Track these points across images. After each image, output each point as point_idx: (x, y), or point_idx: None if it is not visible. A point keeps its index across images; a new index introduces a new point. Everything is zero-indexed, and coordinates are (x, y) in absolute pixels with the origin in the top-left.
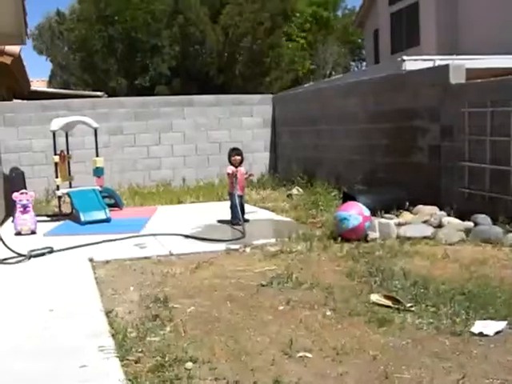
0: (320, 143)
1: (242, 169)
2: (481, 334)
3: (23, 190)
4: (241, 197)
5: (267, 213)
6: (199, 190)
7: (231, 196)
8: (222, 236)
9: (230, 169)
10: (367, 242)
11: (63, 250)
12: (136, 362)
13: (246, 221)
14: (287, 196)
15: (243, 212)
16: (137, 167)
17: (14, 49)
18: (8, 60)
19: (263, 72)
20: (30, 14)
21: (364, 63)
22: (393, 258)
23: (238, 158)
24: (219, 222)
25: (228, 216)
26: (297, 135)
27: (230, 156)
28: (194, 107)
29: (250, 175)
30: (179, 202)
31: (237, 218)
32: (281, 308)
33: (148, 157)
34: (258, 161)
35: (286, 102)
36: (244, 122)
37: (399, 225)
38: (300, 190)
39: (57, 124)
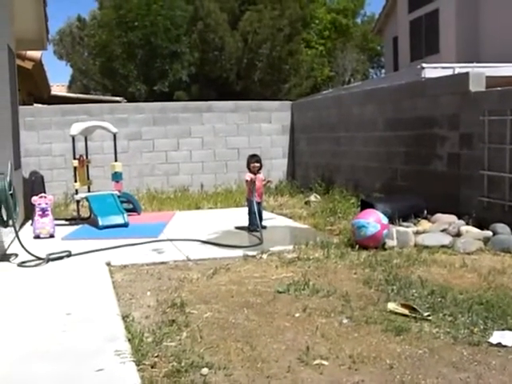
0: (338, 150)
1: (260, 175)
2: (499, 345)
3: (42, 194)
4: (259, 203)
5: (285, 219)
6: (217, 196)
7: (249, 202)
8: (240, 242)
9: (249, 176)
10: (385, 250)
11: (81, 253)
12: (152, 367)
13: (264, 227)
14: (305, 203)
15: (261, 218)
16: (155, 172)
17: (35, 54)
18: (29, 65)
19: (282, 78)
20: (51, 20)
21: (383, 70)
22: (410, 266)
23: (257, 164)
24: (237, 228)
25: (246, 222)
26: (315, 142)
27: (248, 163)
28: (213, 113)
29: (268, 181)
30: (197, 208)
31: (254, 224)
32: (297, 315)
33: (166, 162)
34: (276, 167)
35: (304, 109)
36: (263, 128)
37: (417, 233)
38: (318, 196)
39: (76, 129)
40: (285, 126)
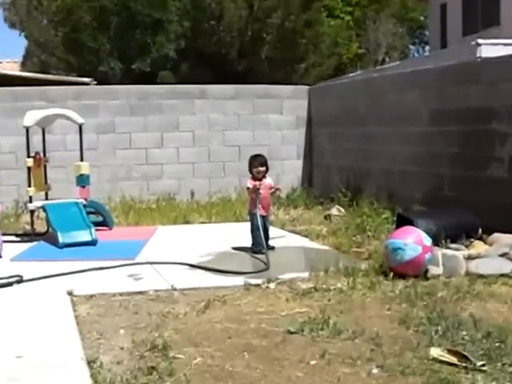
0: (368, 150)
1: (266, 181)
2: None
3: None
4: (264, 217)
5: (298, 238)
6: (212, 207)
7: (252, 216)
8: (240, 267)
9: (252, 182)
10: (427, 279)
11: (35, 279)
12: None
13: (271, 248)
14: (325, 217)
15: (267, 237)
16: (132, 176)
17: None
18: None
19: (297, 57)
20: None
21: (427, 47)
22: (460, 301)
23: (262, 169)
24: (236, 249)
25: (248, 242)
26: (339, 139)
27: (251, 165)
28: (208, 100)
29: (277, 189)
30: (186, 222)
31: (259, 244)
32: (313, 363)
33: (147, 163)
34: (288, 171)
35: (325, 96)
36: (271, 120)
37: (469, 258)
38: (341, 209)
39: (31, 118)
40: (300, 117)
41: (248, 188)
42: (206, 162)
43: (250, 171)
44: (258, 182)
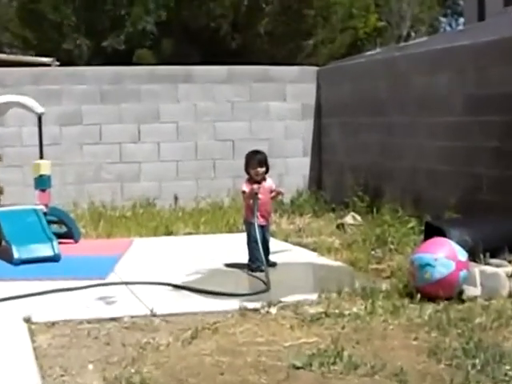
0: (390, 144)
1: (266, 184)
2: None
3: None
4: (264, 228)
5: (305, 253)
6: (200, 215)
7: (249, 226)
8: (234, 288)
9: (248, 185)
10: (462, 301)
11: None
12: None
13: (272, 265)
14: (337, 227)
15: (267, 251)
16: (103, 177)
17: None
18: None
19: (303, 31)
20: None
21: (461, 20)
22: (502, 328)
23: (261, 170)
24: (229, 265)
25: (244, 257)
26: (354, 131)
27: (248, 164)
28: (195, 84)
29: (279, 193)
30: (168, 234)
31: (257, 260)
32: None
33: (120, 161)
34: (293, 171)
35: (338, 79)
36: (272, 108)
37: None
38: (357, 217)
39: None
40: (307, 105)
41: (244, 192)
42: (193, 159)
43: (247, 171)
44: (256, 185)
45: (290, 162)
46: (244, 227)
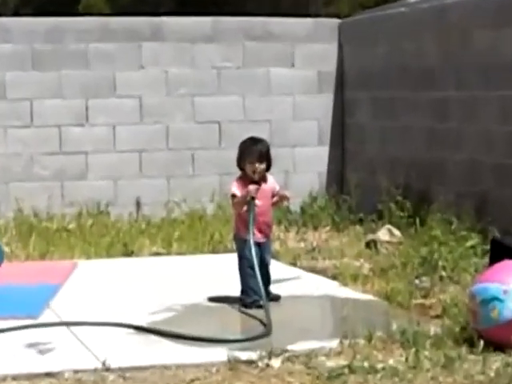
0: (442, 129)
1: (267, 184)
2: None
3: None
4: (261, 246)
5: (322, 282)
6: (172, 228)
7: (241, 244)
8: (221, 331)
9: (241, 186)
10: None
11: None
12: None
13: (275, 298)
14: (367, 245)
15: (268, 280)
16: (35, 173)
17: None
18: None
19: None
20: None
21: None
22: None
23: (260, 166)
24: (214, 300)
25: (234, 287)
26: (391, 111)
27: (242, 157)
28: (165, 43)
29: (284, 198)
30: (127, 254)
31: (253, 291)
32: None
33: (60, 151)
34: (304, 166)
35: (368, 37)
36: (274, 78)
37: None
38: (395, 231)
39: None
40: (324, 73)
41: (234, 196)
42: (163, 149)
43: (240, 167)
44: (252, 187)
45: (301, 154)
46: (234, 245)
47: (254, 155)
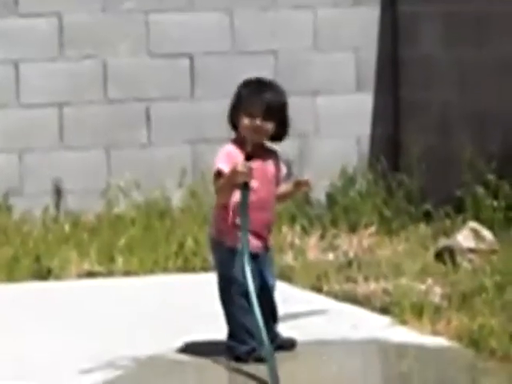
0: None
1: (269, 162)
2: None
3: None
4: (257, 259)
5: (364, 316)
6: (114, 232)
7: (225, 257)
8: None
9: (230, 158)
10: None
11: None
12: None
13: (285, 345)
14: (438, 255)
15: (273, 315)
16: None
17: None
18: None
19: None
20: None
21: None
22: None
23: (266, 124)
24: (185, 350)
25: (218, 329)
26: (477, 32)
27: (236, 106)
28: None
29: (300, 186)
30: (40, 275)
31: (247, 336)
32: None
33: None
34: (332, 125)
35: None
36: None
37: None
38: (486, 233)
39: None
40: None
41: (219, 173)
42: (98, 101)
43: (234, 123)
44: (243, 164)
45: (327, 107)
46: (212, 259)
47: (257, 105)
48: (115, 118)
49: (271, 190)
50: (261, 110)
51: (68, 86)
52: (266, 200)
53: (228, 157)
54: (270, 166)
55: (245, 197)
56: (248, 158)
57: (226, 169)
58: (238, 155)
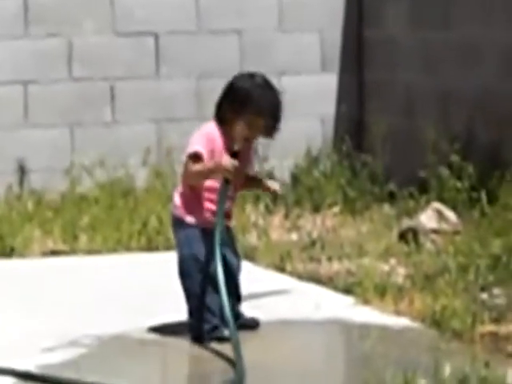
0: None
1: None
2: None
3: None
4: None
5: (327, 296)
6: (78, 210)
7: (186, 233)
8: (160, 381)
9: (210, 145)
10: None
11: None
12: None
13: (249, 325)
14: (401, 236)
15: (236, 295)
16: None
17: None
18: None
19: None
20: None
21: None
22: None
23: (263, 123)
24: (149, 329)
25: (181, 309)
26: (443, 13)
27: (243, 102)
28: None
29: (267, 188)
30: (3, 253)
31: (210, 315)
32: None
33: None
34: (297, 105)
35: None
36: None
37: None
38: (449, 214)
39: None
40: None
41: (197, 157)
42: (62, 79)
43: (225, 116)
44: (230, 161)
45: (292, 87)
46: (175, 236)
47: (268, 109)
48: (80, 97)
49: (241, 181)
50: (269, 113)
51: (33, 64)
52: (236, 189)
53: (207, 140)
54: (245, 159)
55: (225, 190)
56: (233, 154)
57: (203, 152)
58: (217, 138)
